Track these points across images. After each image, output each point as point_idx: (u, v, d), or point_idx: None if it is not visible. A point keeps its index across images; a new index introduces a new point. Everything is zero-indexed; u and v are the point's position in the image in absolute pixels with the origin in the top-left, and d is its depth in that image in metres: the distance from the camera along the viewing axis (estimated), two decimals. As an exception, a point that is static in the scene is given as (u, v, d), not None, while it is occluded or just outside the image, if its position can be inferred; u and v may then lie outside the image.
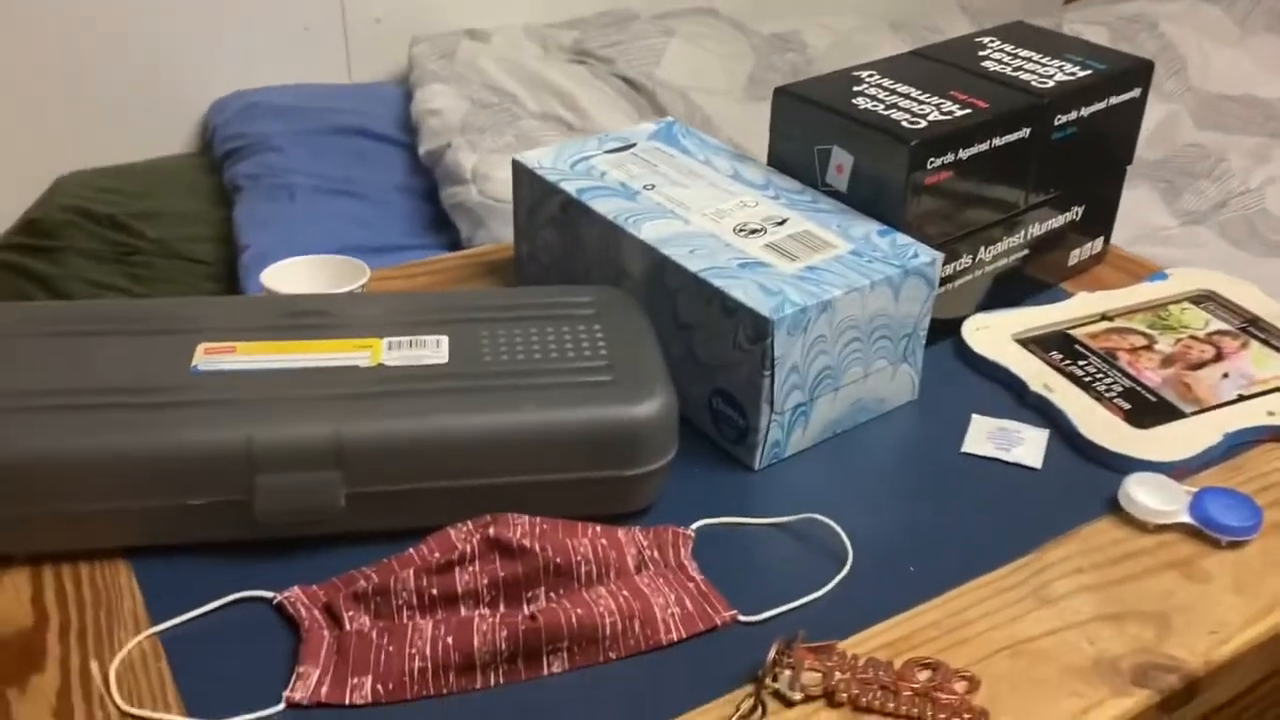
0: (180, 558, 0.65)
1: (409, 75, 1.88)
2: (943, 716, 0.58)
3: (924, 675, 0.60)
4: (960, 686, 0.60)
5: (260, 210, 1.60)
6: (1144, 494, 0.71)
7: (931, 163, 0.78)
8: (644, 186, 0.83)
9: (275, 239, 1.51)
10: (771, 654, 0.59)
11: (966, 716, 0.58)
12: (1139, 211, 1.85)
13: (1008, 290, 0.91)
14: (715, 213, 0.80)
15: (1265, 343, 0.86)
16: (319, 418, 0.64)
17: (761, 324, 0.70)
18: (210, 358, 0.69)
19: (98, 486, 0.63)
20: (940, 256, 0.76)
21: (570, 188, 0.83)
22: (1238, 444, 0.78)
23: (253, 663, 0.59)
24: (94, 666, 0.59)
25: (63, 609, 0.62)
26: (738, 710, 0.57)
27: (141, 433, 0.63)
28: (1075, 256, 0.96)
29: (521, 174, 0.87)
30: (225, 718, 0.56)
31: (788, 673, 0.59)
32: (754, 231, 0.78)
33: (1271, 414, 0.79)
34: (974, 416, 0.80)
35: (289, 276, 0.81)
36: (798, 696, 0.58)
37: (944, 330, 0.87)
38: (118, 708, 0.57)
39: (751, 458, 0.74)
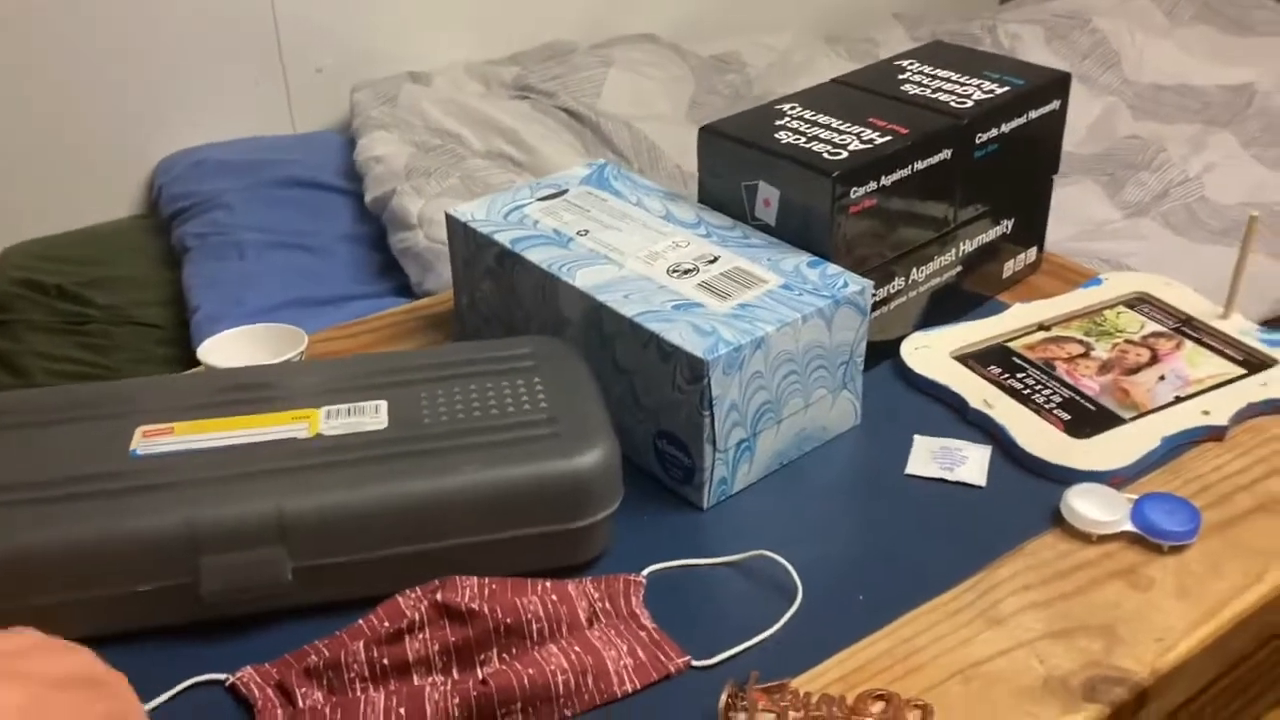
0: (132, 646, 0.65)
1: (351, 123, 1.88)
2: (896, 748, 0.58)
3: (877, 708, 0.61)
4: (914, 716, 0.60)
5: (209, 270, 1.59)
6: (1085, 505, 0.72)
7: (855, 192, 0.79)
8: (577, 233, 0.84)
9: (225, 298, 1.50)
10: (724, 699, 0.59)
11: (920, 746, 0.59)
12: (1083, 206, 1.88)
13: (945, 307, 0.92)
14: (648, 255, 0.81)
15: (1199, 342, 0.88)
16: (259, 495, 0.64)
17: (697, 365, 0.70)
18: (149, 440, 0.69)
19: (44, 581, 0.63)
20: (869, 285, 0.77)
21: (504, 239, 0.83)
22: (1176, 445, 0.79)
23: (207, 748, 0.59)
24: (46, 766, 0.58)
25: (12, 709, 0.61)
26: (693, 759, 0.58)
27: (84, 523, 0.63)
28: (1010, 268, 0.97)
29: (455, 227, 0.87)
30: (181, 808, 0.56)
31: (742, 716, 0.59)
32: (687, 271, 0.79)
33: (1206, 413, 0.80)
34: (916, 437, 0.80)
35: (226, 349, 0.81)
36: (753, 739, 0.59)
37: (884, 351, 0.88)
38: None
39: (699, 497, 0.75)
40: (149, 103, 1.92)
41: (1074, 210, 1.85)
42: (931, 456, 0.79)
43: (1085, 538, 0.72)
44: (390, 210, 1.58)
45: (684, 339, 0.72)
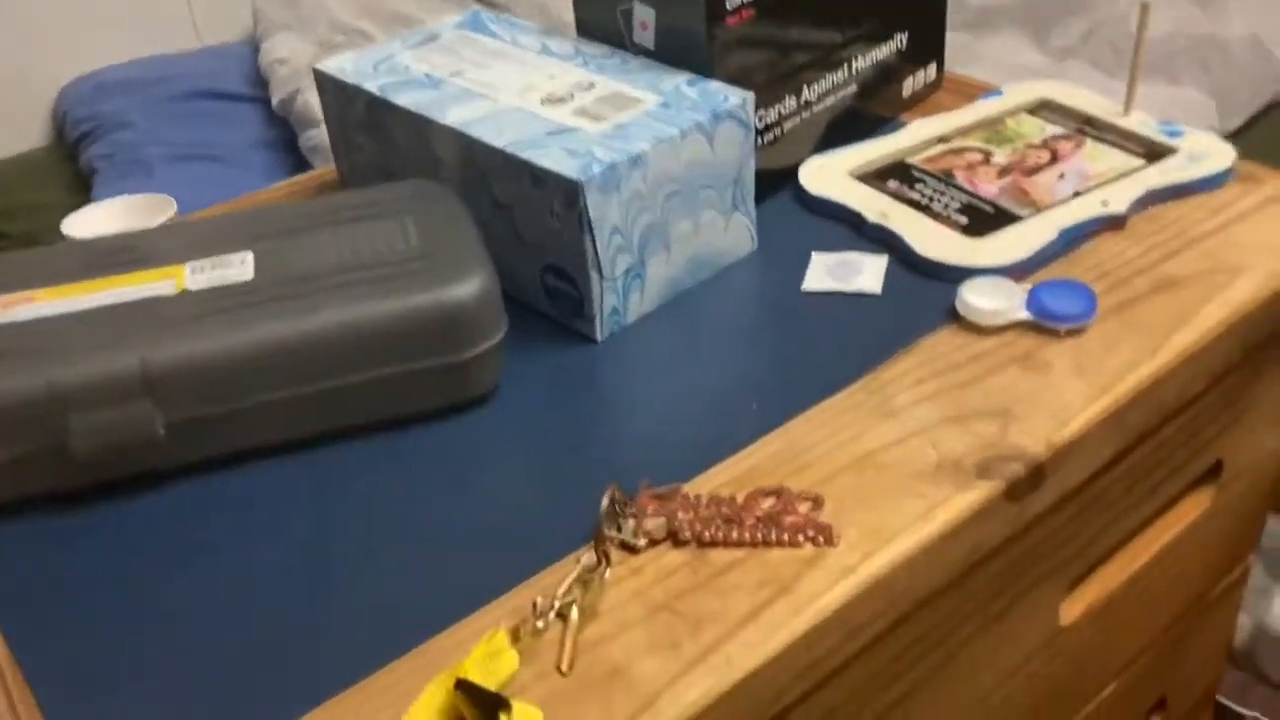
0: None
1: (255, 29, 1.82)
2: (787, 536, 0.58)
3: (768, 503, 0.60)
4: (804, 507, 0.59)
5: (117, 189, 1.55)
6: (978, 298, 0.70)
7: (730, 2, 0.76)
8: (449, 74, 0.81)
9: (135, 213, 1.46)
10: (605, 503, 0.58)
11: (811, 533, 0.58)
12: (1012, 55, 1.85)
13: (844, 130, 0.90)
14: (523, 88, 0.78)
15: (1099, 139, 0.86)
16: (121, 350, 0.62)
17: (571, 188, 0.68)
18: (7, 310, 0.66)
19: (-97, 457, 0.61)
20: (751, 96, 0.75)
21: (372, 87, 0.80)
22: (1076, 238, 0.78)
23: None
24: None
25: (-120, 584, 0.60)
26: (579, 564, 0.57)
27: (-57, 396, 0.61)
28: (909, 87, 0.94)
29: (326, 83, 0.84)
30: None
31: (631, 521, 0.58)
32: (561, 100, 0.76)
33: (1105, 204, 0.79)
34: (813, 254, 0.79)
35: (92, 222, 0.78)
36: (642, 543, 0.58)
37: (784, 178, 0.86)
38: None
39: (592, 329, 0.73)
40: (48, 29, 1.85)
41: (1003, 60, 1.83)
42: (827, 271, 0.77)
43: (981, 330, 0.71)
44: (296, 110, 1.54)
45: (556, 163, 0.69)
